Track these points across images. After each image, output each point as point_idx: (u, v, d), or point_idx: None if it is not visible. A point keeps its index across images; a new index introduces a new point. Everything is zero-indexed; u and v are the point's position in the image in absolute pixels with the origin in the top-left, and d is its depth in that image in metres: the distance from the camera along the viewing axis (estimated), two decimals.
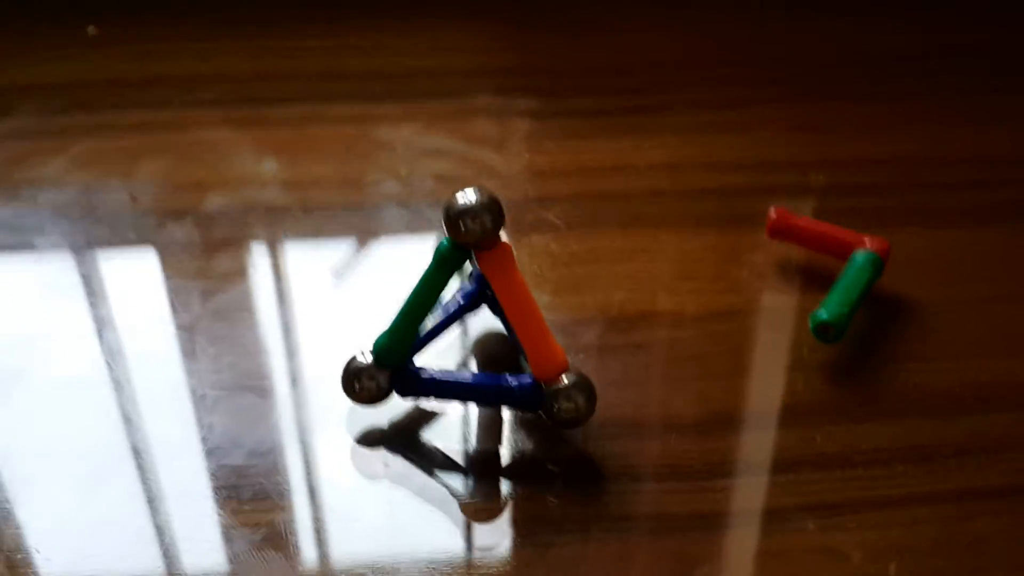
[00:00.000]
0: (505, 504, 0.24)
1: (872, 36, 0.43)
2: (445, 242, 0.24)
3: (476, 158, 0.36)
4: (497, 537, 0.24)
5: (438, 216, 0.33)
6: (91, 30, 0.43)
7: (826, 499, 0.24)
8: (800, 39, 0.43)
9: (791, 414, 0.27)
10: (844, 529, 0.24)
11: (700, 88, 0.39)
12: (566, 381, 0.25)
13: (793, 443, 0.26)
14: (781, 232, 0.31)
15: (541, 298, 0.30)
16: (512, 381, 0.25)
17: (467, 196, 0.23)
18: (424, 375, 0.26)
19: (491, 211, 0.23)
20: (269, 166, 0.35)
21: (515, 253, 0.31)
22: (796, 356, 0.28)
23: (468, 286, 0.28)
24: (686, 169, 0.35)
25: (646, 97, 0.39)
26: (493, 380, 0.26)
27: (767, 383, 0.28)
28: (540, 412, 0.25)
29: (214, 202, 0.34)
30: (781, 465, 0.25)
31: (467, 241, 0.24)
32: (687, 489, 0.25)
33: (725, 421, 0.26)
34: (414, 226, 0.33)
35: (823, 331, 0.28)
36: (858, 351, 0.28)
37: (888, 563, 0.23)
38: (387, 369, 0.25)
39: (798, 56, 0.41)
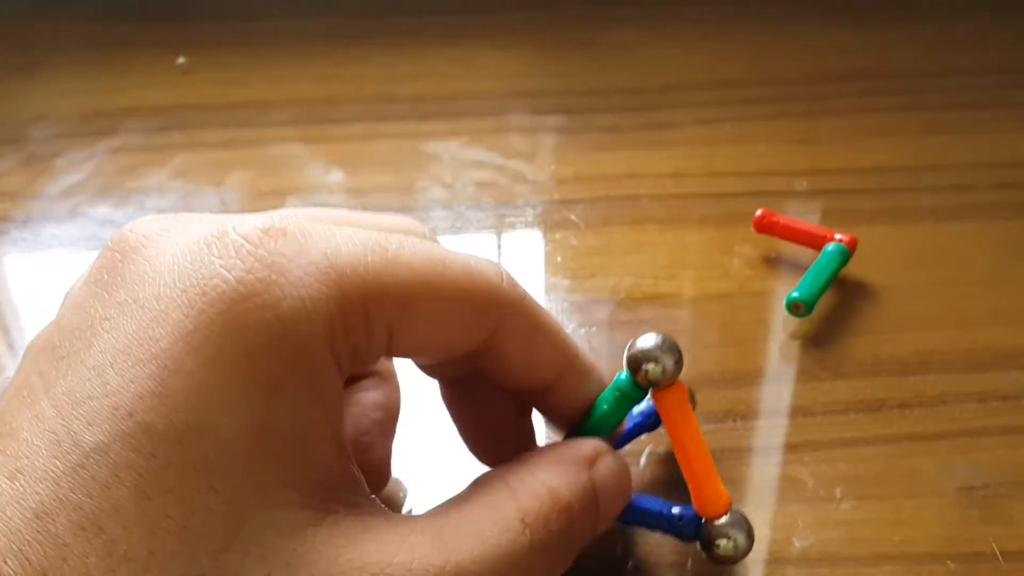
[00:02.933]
0: None
1: (856, 57, 0.48)
2: (626, 378, 0.24)
3: (510, 168, 0.42)
4: None
5: (478, 216, 0.40)
6: (180, 60, 0.50)
7: (790, 440, 0.30)
8: (793, 63, 0.48)
9: (766, 375, 0.32)
10: (801, 463, 0.29)
11: (704, 107, 0.45)
12: (726, 519, 0.25)
13: (765, 397, 0.32)
14: (765, 227, 0.37)
15: (562, 283, 0.36)
16: (675, 510, 0.26)
17: (648, 339, 0.24)
18: None
19: (672, 354, 0.24)
20: (335, 176, 0.42)
21: (541, 247, 0.38)
22: (773, 329, 0.34)
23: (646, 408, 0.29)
24: (689, 176, 0.41)
25: (657, 115, 0.45)
26: (658, 506, 0.26)
27: (748, 351, 0.33)
28: (698, 546, 0.26)
29: (291, 205, 0.40)
30: (754, 414, 0.31)
31: (647, 382, 0.24)
32: None
33: (711, 380, 0.32)
34: (457, 225, 0.39)
35: (795, 308, 0.33)
36: (825, 325, 0.34)
37: (835, 488, 0.29)
38: None
39: (793, 77, 0.47)
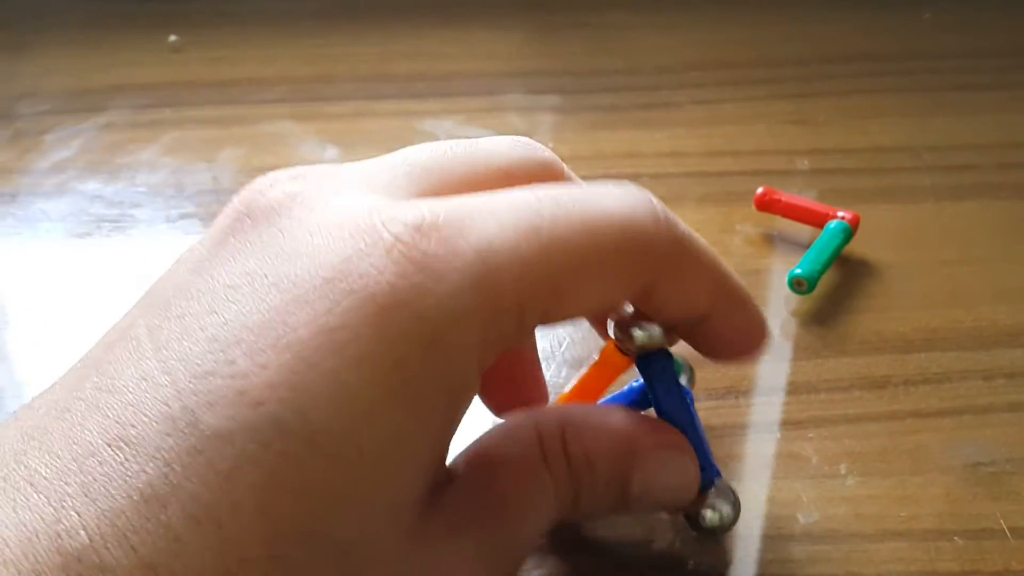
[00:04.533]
0: None
1: (851, 40, 0.48)
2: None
3: None
4: None
5: None
6: (172, 39, 0.49)
7: (792, 417, 0.30)
8: (788, 44, 0.48)
9: (768, 352, 0.32)
10: (806, 439, 0.29)
11: (700, 88, 0.45)
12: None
13: (767, 374, 0.31)
14: (767, 205, 0.36)
15: None
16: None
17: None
18: None
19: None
20: (330, 152, 0.41)
21: None
22: (775, 307, 0.34)
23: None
24: (688, 156, 0.41)
25: (654, 96, 0.44)
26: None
27: None
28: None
29: None
30: (757, 391, 0.31)
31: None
32: None
33: None
34: None
35: (797, 284, 0.33)
36: (828, 303, 0.34)
37: (839, 464, 0.28)
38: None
39: (789, 58, 0.47)
